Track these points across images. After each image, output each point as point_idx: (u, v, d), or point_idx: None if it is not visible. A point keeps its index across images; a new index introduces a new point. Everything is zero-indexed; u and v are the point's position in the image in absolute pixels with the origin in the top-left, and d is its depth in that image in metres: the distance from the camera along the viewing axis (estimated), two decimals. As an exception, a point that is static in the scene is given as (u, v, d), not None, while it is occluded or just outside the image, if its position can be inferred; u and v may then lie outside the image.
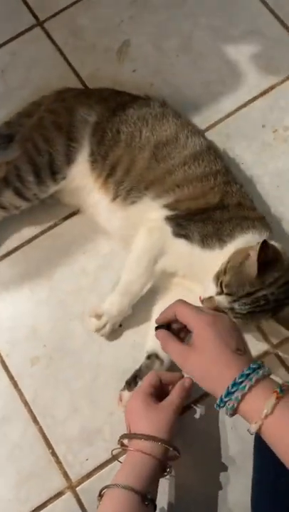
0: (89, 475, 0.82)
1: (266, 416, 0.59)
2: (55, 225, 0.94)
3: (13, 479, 0.82)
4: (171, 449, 0.70)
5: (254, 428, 0.60)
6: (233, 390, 0.61)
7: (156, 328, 0.76)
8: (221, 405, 0.62)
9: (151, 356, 0.83)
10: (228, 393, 0.61)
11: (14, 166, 0.87)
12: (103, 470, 0.82)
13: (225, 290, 0.73)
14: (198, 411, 0.83)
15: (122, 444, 0.74)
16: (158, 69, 1.03)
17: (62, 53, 1.04)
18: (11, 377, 0.86)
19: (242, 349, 0.66)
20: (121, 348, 0.87)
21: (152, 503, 0.67)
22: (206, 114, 0.99)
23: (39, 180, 0.85)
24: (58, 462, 0.82)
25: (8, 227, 0.93)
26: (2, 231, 0.93)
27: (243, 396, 0.60)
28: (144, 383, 0.76)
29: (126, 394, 0.81)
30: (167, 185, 0.83)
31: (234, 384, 0.61)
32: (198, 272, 0.80)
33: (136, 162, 0.84)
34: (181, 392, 0.75)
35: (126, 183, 0.84)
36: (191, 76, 1.02)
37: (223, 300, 0.73)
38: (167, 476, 0.73)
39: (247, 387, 0.60)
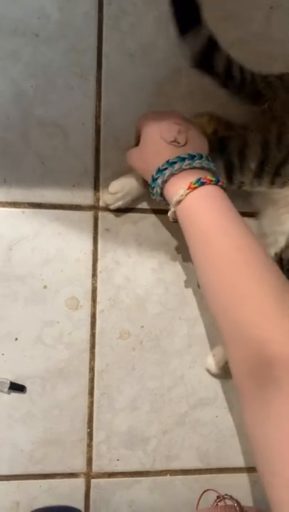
0: (111, 475, 0.75)
1: (177, 202, 0.61)
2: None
3: (37, 435, 0.73)
4: None
5: (169, 214, 0.64)
6: (156, 177, 0.63)
7: None
8: (150, 191, 0.66)
9: None
10: (153, 179, 0.64)
11: (242, 137, 0.71)
12: (127, 479, 0.75)
13: None
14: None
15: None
16: None
17: None
18: (92, 335, 0.76)
19: (181, 142, 0.64)
20: (205, 375, 0.78)
21: None
22: None
23: (257, 173, 0.71)
24: (89, 446, 0.74)
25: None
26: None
27: (164, 183, 0.63)
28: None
29: None
30: None
31: (158, 170, 0.63)
32: None
33: None
34: None
35: None
36: None
37: None
38: None
39: (167, 175, 0.62)
